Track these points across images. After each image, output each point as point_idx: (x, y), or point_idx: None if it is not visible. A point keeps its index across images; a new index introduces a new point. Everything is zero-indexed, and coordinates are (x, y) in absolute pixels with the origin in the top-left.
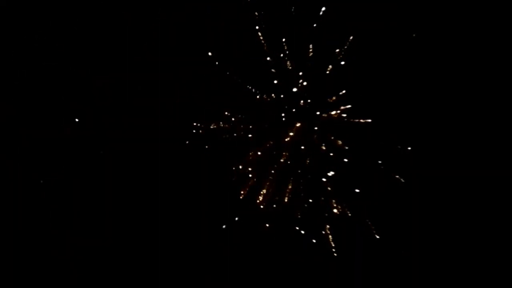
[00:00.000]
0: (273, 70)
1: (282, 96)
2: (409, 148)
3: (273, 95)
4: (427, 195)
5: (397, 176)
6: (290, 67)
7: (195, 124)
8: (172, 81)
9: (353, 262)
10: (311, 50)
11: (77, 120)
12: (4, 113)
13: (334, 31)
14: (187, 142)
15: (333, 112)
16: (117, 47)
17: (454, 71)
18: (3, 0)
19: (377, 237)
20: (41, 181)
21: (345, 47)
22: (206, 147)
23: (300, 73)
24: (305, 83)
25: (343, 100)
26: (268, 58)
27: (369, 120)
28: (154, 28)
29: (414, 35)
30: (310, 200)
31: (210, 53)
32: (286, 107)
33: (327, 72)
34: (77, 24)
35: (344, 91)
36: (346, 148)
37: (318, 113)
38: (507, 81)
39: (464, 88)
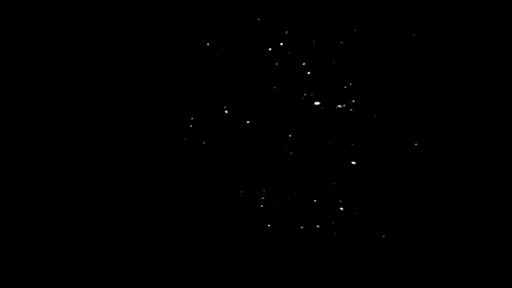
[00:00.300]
0: (276, 64)
1: (283, 92)
2: (416, 144)
3: (274, 87)
4: (427, 195)
5: (401, 173)
6: (291, 65)
7: (194, 122)
8: (172, 81)
9: (353, 262)
10: (310, 49)
11: (74, 117)
12: (4, 113)
13: (334, 30)
14: (184, 139)
15: (339, 106)
16: (117, 47)
17: (455, 71)
18: (3, 0)
19: (383, 236)
20: (42, 181)
21: (344, 47)
22: (204, 143)
23: (301, 70)
24: (305, 82)
25: (342, 100)
26: (269, 49)
27: (371, 119)
28: (154, 28)
29: (414, 35)
30: (311, 199)
31: (211, 51)
32: (287, 103)
33: (327, 71)
34: (77, 24)
35: (343, 90)
36: (352, 144)
37: (319, 109)
38: (507, 81)
39: (464, 88)
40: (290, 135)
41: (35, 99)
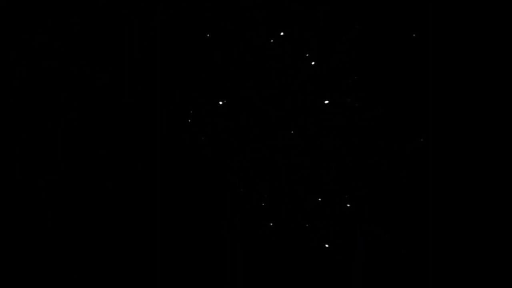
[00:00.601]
0: (276, 64)
1: (283, 92)
2: (422, 140)
3: (274, 87)
4: (427, 195)
5: (399, 175)
6: (291, 65)
7: (194, 122)
8: (172, 81)
9: (353, 262)
10: (310, 49)
11: (74, 117)
12: (4, 113)
13: (334, 30)
14: (184, 139)
15: (348, 101)
16: (117, 47)
17: (455, 71)
18: (3, 0)
19: (386, 236)
20: (42, 181)
21: (344, 47)
22: (204, 142)
23: (301, 70)
24: (305, 82)
25: (342, 100)
26: (270, 49)
27: (371, 119)
28: (154, 28)
29: (414, 35)
30: (310, 199)
31: (211, 51)
32: (287, 103)
33: (327, 71)
34: (77, 24)
35: (344, 90)
36: (352, 144)
37: (319, 108)
38: (507, 81)
39: (465, 88)
40: (292, 132)
41: (35, 99)
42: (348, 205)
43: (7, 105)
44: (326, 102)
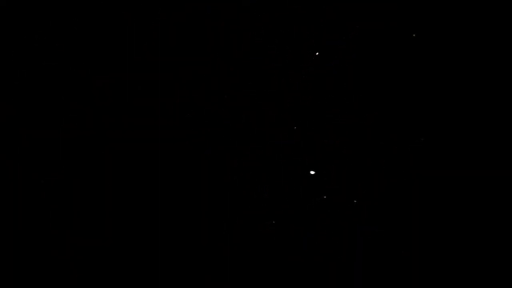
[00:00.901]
0: (276, 64)
1: (283, 92)
2: (422, 139)
3: (274, 87)
4: (427, 195)
5: (399, 175)
6: (291, 65)
7: (194, 122)
8: (172, 81)
9: (353, 262)
10: (310, 49)
11: (74, 117)
12: (4, 113)
13: (334, 30)
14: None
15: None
16: (117, 47)
17: (455, 71)
18: (3, 0)
19: (385, 236)
20: (42, 181)
21: (344, 47)
22: (204, 143)
23: (301, 70)
24: (305, 82)
25: (342, 100)
26: (270, 49)
27: (371, 119)
28: (154, 28)
29: (414, 35)
30: (311, 199)
31: (211, 51)
32: (287, 103)
33: (327, 71)
34: (77, 24)
35: (344, 90)
36: (352, 144)
37: (319, 109)
38: (507, 81)
39: (464, 88)
40: (292, 131)
41: (35, 99)
42: (348, 205)
43: (7, 105)
44: (327, 103)
